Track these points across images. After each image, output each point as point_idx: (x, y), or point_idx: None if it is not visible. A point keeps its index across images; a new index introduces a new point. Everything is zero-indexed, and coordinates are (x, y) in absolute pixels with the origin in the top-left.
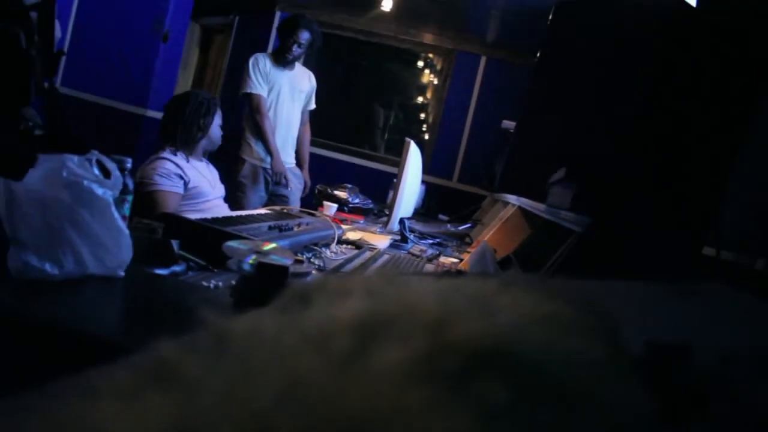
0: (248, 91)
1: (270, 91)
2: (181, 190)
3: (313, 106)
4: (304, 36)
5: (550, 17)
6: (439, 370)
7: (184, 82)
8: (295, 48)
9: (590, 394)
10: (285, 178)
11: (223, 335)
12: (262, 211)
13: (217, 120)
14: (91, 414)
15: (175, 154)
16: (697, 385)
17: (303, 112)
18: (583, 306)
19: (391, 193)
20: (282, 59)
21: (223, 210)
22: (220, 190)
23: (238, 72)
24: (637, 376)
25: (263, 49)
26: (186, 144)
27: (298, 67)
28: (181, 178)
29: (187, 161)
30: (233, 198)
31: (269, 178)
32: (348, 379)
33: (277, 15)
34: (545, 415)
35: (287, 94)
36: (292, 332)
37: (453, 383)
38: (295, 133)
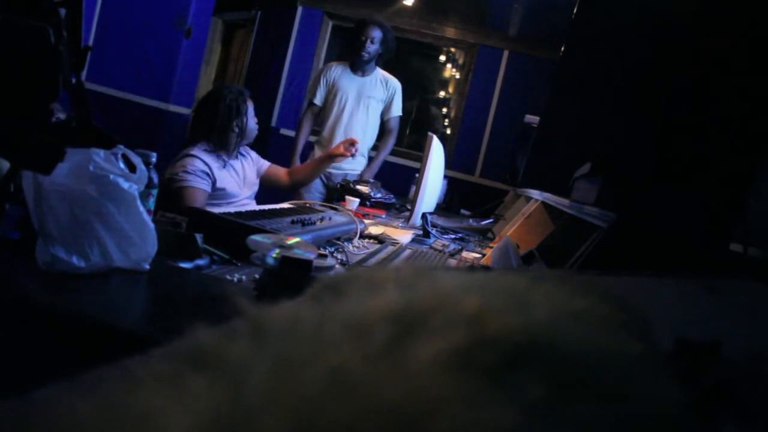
0: (307, 96)
1: (334, 97)
2: (208, 188)
3: (396, 113)
4: (375, 33)
5: (575, 10)
6: (478, 364)
7: (206, 77)
8: (368, 45)
9: (628, 389)
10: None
11: (261, 324)
12: (285, 205)
13: (250, 112)
14: (135, 400)
15: (207, 152)
16: (728, 382)
17: (386, 121)
18: (615, 302)
19: (413, 188)
20: (358, 61)
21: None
22: (250, 188)
23: (260, 67)
24: (669, 373)
25: (284, 44)
26: (222, 146)
27: (376, 73)
28: (208, 176)
29: (221, 160)
30: None
31: (323, 179)
32: (389, 370)
33: (299, 10)
34: (584, 410)
35: (353, 100)
36: (332, 322)
37: (492, 377)
38: (359, 140)
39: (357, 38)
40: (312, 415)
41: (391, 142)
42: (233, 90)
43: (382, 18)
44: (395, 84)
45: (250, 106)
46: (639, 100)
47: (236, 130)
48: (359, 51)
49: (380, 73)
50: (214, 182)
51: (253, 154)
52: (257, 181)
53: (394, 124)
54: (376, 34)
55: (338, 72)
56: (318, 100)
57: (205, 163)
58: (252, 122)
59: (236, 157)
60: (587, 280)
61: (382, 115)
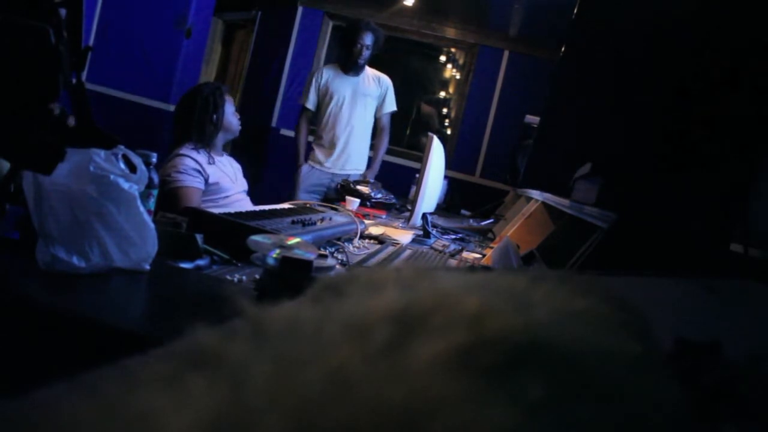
0: (300, 102)
1: (331, 100)
2: (202, 186)
3: (390, 108)
4: (368, 39)
5: (575, 10)
6: (479, 364)
7: (206, 77)
8: (364, 51)
9: (628, 390)
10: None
11: (261, 324)
12: (285, 205)
13: (229, 108)
14: (135, 400)
15: (195, 150)
16: (728, 382)
17: (379, 117)
18: (615, 302)
19: (413, 188)
20: (352, 66)
21: (245, 204)
22: (242, 184)
23: (261, 67)
24: (669, 373)
25: (285, 44)
26: (203, 142)
27: (366, 71)
28: (200, 173)
29: (209, 157)
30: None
31: (324, 181)
32: (389, 370)
33: (299, 10)
34: (583, 410)
35: (350, 99)
36: (332, 322)
37: (492, 377)
38: (359, 140)
39: (352, 44)
40: (312, 415)
41: (386, 139)
42: (210, 86)
43: (371, 21)
44: (387, 80)
45: (229, 101)
46: (639, 100)
47: (214, 123)
48: (356, 58)
49: (369, 70)
50: (207, 179)
51: (239, 169)
52: (245, 183)
53: (386, 120)
54: (370, 39)
55: (330, 75)
56: (311, 105)
57: (196, 161)
58: (232, 117)
59: (222, 155)
60: (587, 280)
61: (375, 112)
